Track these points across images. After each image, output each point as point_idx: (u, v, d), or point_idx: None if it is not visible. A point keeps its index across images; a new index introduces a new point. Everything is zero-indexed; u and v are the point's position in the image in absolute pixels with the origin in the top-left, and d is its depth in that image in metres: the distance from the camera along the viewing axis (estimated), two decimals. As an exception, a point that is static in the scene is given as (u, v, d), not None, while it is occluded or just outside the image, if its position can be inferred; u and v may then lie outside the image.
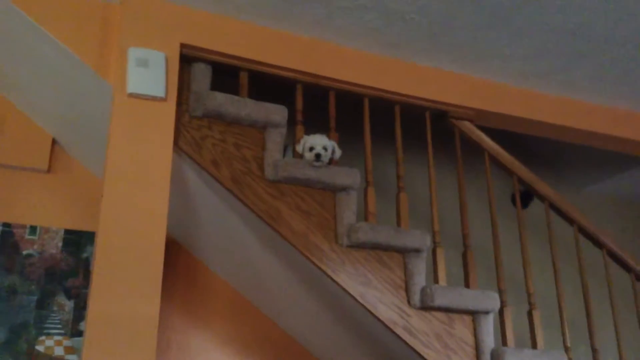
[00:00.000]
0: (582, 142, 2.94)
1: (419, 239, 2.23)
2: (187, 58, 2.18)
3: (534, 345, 2.35)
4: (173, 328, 2.73)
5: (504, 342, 2.30)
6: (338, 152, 2.27)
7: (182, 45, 2.15)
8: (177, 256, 2.82)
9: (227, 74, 2.28)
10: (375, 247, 2.18)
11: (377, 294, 2.13)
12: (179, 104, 2.11)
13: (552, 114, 2.74)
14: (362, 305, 2.11)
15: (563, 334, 2.41)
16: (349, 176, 2.22)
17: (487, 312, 2.24)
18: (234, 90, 2.23)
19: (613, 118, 2.87)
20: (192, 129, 2.12)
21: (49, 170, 2.64)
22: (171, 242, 2.77)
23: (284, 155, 2.24)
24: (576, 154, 3.46)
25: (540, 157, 3.45)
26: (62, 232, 2.59)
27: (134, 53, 2.03)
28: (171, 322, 2.73)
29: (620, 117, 2.89)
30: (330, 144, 2.24)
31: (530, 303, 2.41)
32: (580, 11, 2.19)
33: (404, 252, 2.23)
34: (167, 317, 2.70)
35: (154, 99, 2.03)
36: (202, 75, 2.19)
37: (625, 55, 2.46)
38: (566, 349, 2.38)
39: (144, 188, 1.96)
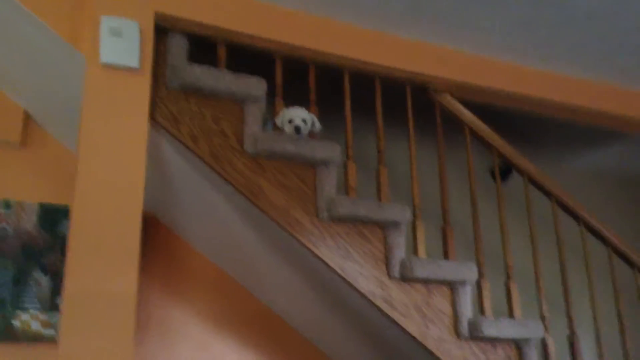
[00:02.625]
0: (562, 116, 2.94)
1: (398, 212, 2.23)
2: (163, 28, 2.13)
3: (511, 316, 2.38)
4: (153, 303, 2.72)
5: (482, 313, 2.33)
6: (318, 126, 2.25)
7: (157, 14, 2.09)
8: (157, 232, 2.79)
9: (204, 47, 2.23)
10: (356, 220, 2.18)
11: (357, 267, 2.14)
12: (155, 75, 2.07)
13: (534, 87, 2.74)
14: (343, 278, 2.12)
15: (539, 302, 2.45)
16: (329, 150, 2.20)
17: (465, 283, 2.26)
18: (212, 63, 2.18)
19: (594, 92, 2.88)
20: (169, 102, 2.08)
21: (22, 144, 2.58)
22: (150, 217, 2.75)
23: (263, 129, 2.21)
24: (555, 128, 3.48)
25: (520, 132, 3.46)
26: (37, 207, 2.55)
27: (107, 22, 1.97)
28: (151, 297, 2.72)
29: (601, 91, 2.90)
30: (310, 117, 2.21)
31: (507, 275, 2.44)
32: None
33: (384, 226, 2.23)
34: (147, 293, 2.69)
35: (128, 70, 1.98)
36: (178, 46, 2.14)
37: (606, 29, 2.46)
38: (542, 318, 2.42)
39: (119, 162, 1.93)
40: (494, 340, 2.25)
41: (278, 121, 2.20)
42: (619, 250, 2.72)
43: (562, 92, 2.81)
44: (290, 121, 2.16)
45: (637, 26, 2.43)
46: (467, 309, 2.24)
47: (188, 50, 2.18)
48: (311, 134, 2.24)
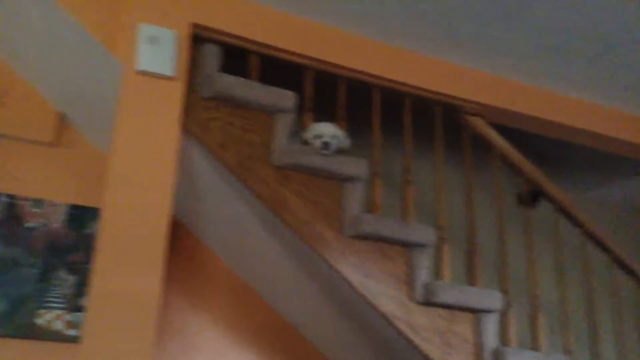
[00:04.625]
0: (592, 145, 2.90)
1: (423, 233, 2.20)
2: (198, 38, 2.16)
3: (536, 348, 2.32)
4: (173, 308, 2.73)
5: (506, 343, 2.27)
6: (346, 142, 2.24)
7: (194, 25, 2.12)
8: (180, 237, 2.81)
9: (237, 57, 2.25)
10: (379, 239, 2.16)
11: (379, 287, 2.11)
12: (188, 84, 2.09)
13: (566, 114, 2.70)
14: (364, 296, 2.09)
15: (565, 337, 2.38)
16: (356, 166, 2.19)
17: (489, 311, 2.21)
18: (243, 73, 2.20)
19: (623, 122, 2.83)
20: (200, 109, 2.10)
21: (55, 144, 2.63)
22: (176, 223, 2.76)
23: (291, 141, 2.21)
24: (583, 156, 3.41)
25: (546, 156, 3.40)
26: (66, 207, 2.58)
27: (145, 30, 2.01)
28: (171, 302, 2.72)
29: (632, 122, 2.84)
30: (339, 133, 2.21)
31: (534, 305, 2.38)
32: (595, 11, 2.14)
33: (408, 246, 2.20)
34: (167, 297, 2.70)
35: (163, 77, 2.01)
36: (212, 56, 2.17)
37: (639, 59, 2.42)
38: (568, 352, 2.35)
39: (150, 166, 1.95)
40: (516, 372, 2.19)
41: (306, 135, 2.20)
42: (649, 286, 2.63)
43: (594, 121, 2.76)
44: (319, 137, 2.16)
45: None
46: (490, 338, 2.18)
47: (221, 60, 2.20)
48: (339, 150, 2.23)
